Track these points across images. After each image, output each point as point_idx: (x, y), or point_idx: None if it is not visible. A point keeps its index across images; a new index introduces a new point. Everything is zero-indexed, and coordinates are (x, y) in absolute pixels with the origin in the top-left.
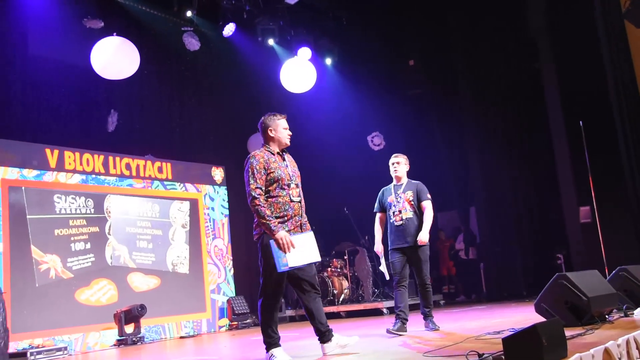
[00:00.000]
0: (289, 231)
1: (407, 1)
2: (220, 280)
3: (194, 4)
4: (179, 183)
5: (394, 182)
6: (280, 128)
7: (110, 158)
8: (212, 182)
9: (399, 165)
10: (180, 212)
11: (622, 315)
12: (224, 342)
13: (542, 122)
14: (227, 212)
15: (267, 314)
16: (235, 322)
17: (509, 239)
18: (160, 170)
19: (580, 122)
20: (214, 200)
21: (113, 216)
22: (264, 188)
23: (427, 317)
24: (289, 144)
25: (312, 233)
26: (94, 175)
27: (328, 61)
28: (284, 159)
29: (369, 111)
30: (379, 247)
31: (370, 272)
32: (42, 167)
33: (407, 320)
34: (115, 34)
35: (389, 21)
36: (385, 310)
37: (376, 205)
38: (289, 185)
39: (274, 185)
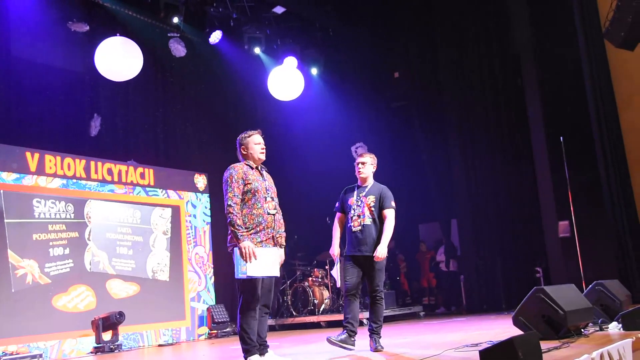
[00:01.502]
0: (261, 242)
1: (393, 14)
2: (200, 288)
3: (181, 10)
4: (161, 189)
5: (358, 182)
6: (252, 144)
7: (92, 163)
8: (195, 189)
9: (364, 166)
10: (162, 219)
11: (598, 329)
12: (202, 350)
13: (524, 136)
14: (209, 219)
15: (245, 321)
16: (215, 331)
17: (489, 251)
18: (142, 176)
19: (561, 137)
20: (196, 207)
21: (93, 221)
22: (240, 197)
23: (373, 333)
24: (262, 158)
25: (280, 250)
26: (74, 180)
27: (314, 71)
28: (262, 175)
29: (354, 121)
30: (334, 250)
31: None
32: (21, 170)
33: (355, 332)
34: (118, 34)
35: (375, 33)
36: (365, 321)
37: (337, 204)
38: (265, 199)
39: (250, 196)
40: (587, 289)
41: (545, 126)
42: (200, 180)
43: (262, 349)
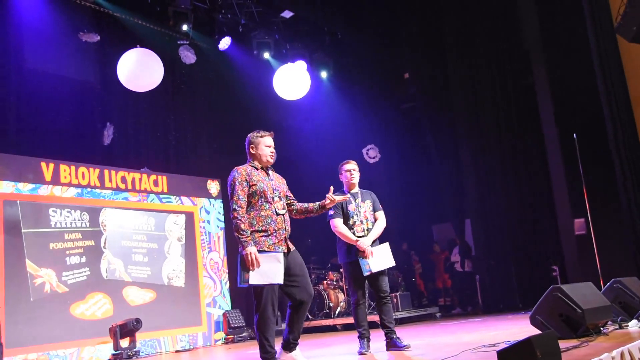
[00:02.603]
0: (273, 244)
1: (401, 15)
2: (216, 293)
3: (190, 17)
4: (174, 196)
5: (347, 189)
6: (262, 145)
7: (106, 171)
8: (208, 195)
9: (356, 172)
10: (176, 226)
11: (617, 327)
12: (219, 356)
13: (537, 135)
14: (222, 225)
15: (263, 327)
16: (231, 336)
17: (504, 251)
18: (155, 183)
19: (574, 135)
20: (210, 213)
21: (108, 229)
22: (245, 200)
23: (391, 333)
24: (271, 161)
25: (281, 255)
26: (89, 189)
27: (323, 74)
28: (267, 174)
29: (364, 124)
30: (361, 243)
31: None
32: (37, 180)
33: (370, 339)
34: (138, 45)
35: (384, 35)
36: (339, 327)
37: (336, 211)
38: (272, 199)
39: (257, 197)
40: (605, 286)
41: (557, 124)
42: (213, 186)
43: (292, 346)
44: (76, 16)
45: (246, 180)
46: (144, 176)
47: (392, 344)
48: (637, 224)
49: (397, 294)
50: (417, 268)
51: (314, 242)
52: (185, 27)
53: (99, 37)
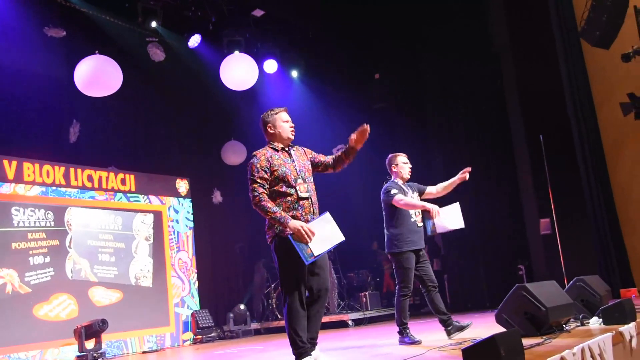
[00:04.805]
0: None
1: (373, 15)
2: (184, 293)
3: (159, 14)
4: (142, 195)
5: (402, 182)
6: (280, 122)
7: (72, 169)
8: (177, 194)
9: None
10: (144, 225)
11: (579, 324)
12: (187, 356)
13: (505, 135)
14: (191, 224)
15: (293, 321)
16: (200, 336)
17: (472, 250)
18: (123, 182)
19: (540, 136)
20: (179, 212)
21: (74, 229)
22: (266, 186)
23: (450, 320)
24: (292, 137)
25: (328, 214)
26: (54, 187)
27: (294, 74)
28: (290, 155)
29: (335, 123)
30: (431, 205)
31: (336, 283)
32: None
33: None
34: (97, 52)
35: (356, 34)
36: (350, 322)
37: (400, 190)
38: (296, 181)
39: (280, 184)
40: (568, 285)
41: (525, 125)
42: (182, 185)
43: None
44: (42, 10)
45: (266, 166)
46: (111, 174)
47: (457, 328)
48: (601, 224)
49: (367, 293)
50: (386, 268)
51: None
52: (154, 24)
53: (65, 33)
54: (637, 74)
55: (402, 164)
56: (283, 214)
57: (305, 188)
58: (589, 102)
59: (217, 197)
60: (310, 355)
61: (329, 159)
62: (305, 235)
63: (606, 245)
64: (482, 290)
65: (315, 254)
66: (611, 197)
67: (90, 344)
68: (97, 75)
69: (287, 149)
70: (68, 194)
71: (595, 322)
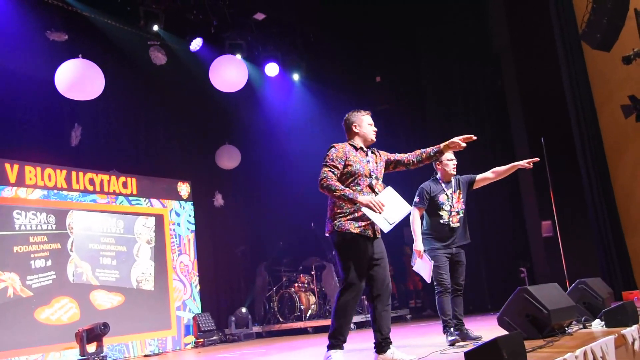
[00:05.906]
0: (358, 227)
1: (374, 18)
2: (186, 296)
3: (161, 18)
4: (144, 198)
5: (443, 179)
6: (365, 124)
7: (73, 173)
8: (178, 198)
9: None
10: (145, 228)
11: (581, 327)
12: (189, 359)
13: (506, 137)
14: (193, 227)
15: (342, 312)
16: (201, 339)
17: (474, 253)
18: (124, 185)
19: (542, 138)
20: (180, 215)
21: (75, 232)
22: (336, 172)
23: (461, 325)
24: (374, 140)
25: (390, 188)
26: (56, 191)
27: (295, 76)
28: (366, 154)
29: (337, 126)
30: (420, 246)
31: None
32: (1, 182)
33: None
34: (80, 56)
35: (356, 37)
36: (352, 326)
37: (422, 200)
38: (366, 179)
39: (350, 179)
40: (570, 287)
41: (526, 127)
42: (184, 188)
43: (384, 346)
44: (44, 14)
45: (342, 157)
46: (113, 178)
47: (464, 336)
48: (602, 226)
49: None
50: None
51: (285, 244)
52: (156, 28)
53: (67, 37)
54: (638, 76)
55: (447, 160)
56: (350, 190)
57: (376, 184)
58: (590, 104)
59: (219, 200)
60: (342, 349)
61: (403, 156)
62: (378, 206)
63: (608, 247)
64: (484, 293)
65: (391, 222)
66: (613, 198)
67: (91, 348)
68: (78, 80)
69: (365, 149)
70: (70, 198)
71: (597, 325)
